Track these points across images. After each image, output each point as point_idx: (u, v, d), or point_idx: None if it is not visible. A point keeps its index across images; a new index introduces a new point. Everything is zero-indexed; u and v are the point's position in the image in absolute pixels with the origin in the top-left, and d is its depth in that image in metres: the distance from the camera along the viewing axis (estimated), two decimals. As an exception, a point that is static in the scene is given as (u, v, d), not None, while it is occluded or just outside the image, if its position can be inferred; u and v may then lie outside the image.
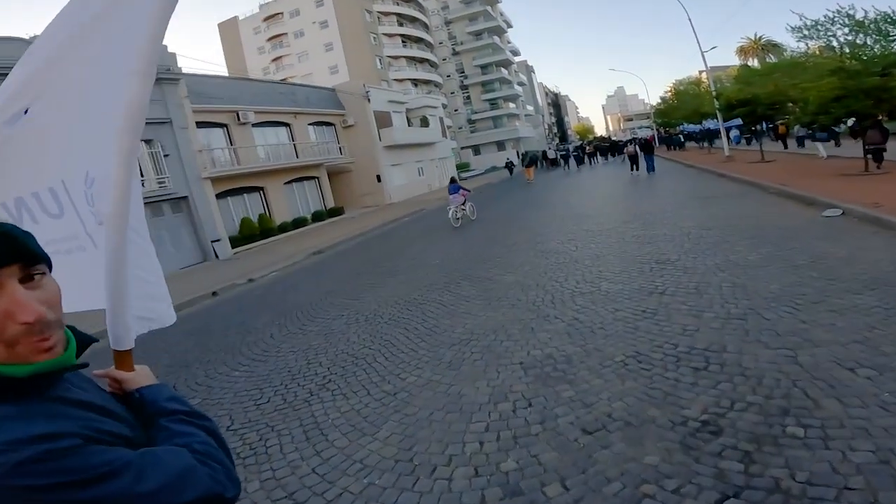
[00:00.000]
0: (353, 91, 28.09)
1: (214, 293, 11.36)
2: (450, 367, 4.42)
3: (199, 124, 19.61)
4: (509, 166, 41.32)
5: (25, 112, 1.10)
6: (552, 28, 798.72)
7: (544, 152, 42.62)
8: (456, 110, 66.71)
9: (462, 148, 65.92)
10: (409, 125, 34.25)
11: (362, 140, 28.54)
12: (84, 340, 0.85)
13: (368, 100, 28.01)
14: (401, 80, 48.80)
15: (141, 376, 0.97)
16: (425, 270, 9.79)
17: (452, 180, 16.00)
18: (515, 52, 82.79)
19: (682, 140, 36.50)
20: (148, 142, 15.92)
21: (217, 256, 17.16)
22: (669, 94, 45.19)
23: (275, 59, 50.30)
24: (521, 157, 38.16)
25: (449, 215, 14.83)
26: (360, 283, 9.70)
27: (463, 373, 4.25)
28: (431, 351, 4.95)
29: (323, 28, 46.47)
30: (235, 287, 11.95)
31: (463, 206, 15.03)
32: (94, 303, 1.10)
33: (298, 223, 21.76)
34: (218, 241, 17.32)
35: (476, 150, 68.22)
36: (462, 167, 58.56)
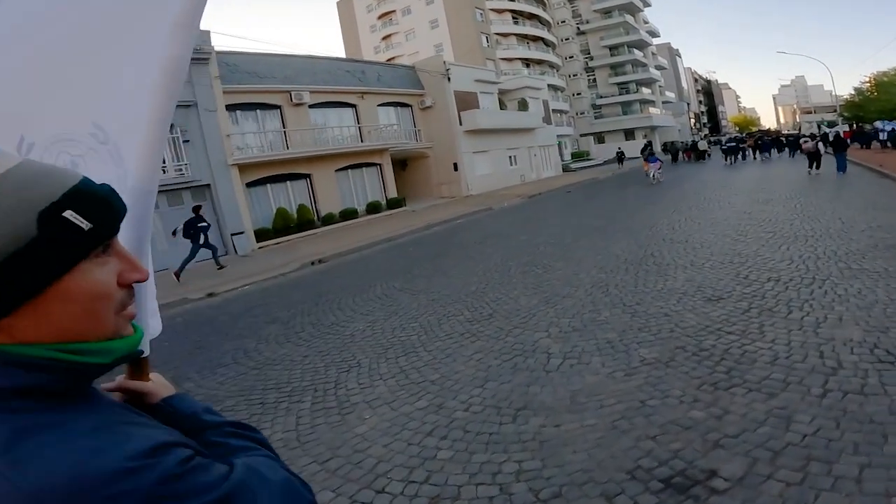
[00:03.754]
0: (432, 69, 24.97)
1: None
2: None
3: (248, 106, 18.19)
4: (620, 157, 37.10)
5: None
6: (710, 9, 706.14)
7: (695, 143, 37.56)
8: (578, 94, 60.26)
9: (582, 135, 59.52)
10: (501, 108, 30.21)
11: (441, 123, 25.38)
12: None
13: (448, 78, 24.68)
14: (510, 60, 44.51)
15: (161, 386, 0.83)
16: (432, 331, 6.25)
17: (651, 153, 25.52)
18: (653, 33, 72.87)
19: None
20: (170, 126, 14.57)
21: (236, 251, 15.44)
22: (868, 84, 40.38)
23: (384, 38, 49.13)
24: (643, 147, 31.85)
25: (649, 175, 20.58)
26: (321, 323, 6.48)
27: None
28: None
29: (428, 4, 43.94)
30: (185, 303, 9.65)
31: (659, 171, 20.81)
32: None
33: (347, 215, 19.44)
34: (240, 234, 15.60)
35: (599, 137, 61.16)
36: (578, 156, 52.70)
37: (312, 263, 12.44)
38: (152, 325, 0.96)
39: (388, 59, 41.01)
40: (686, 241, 8.19)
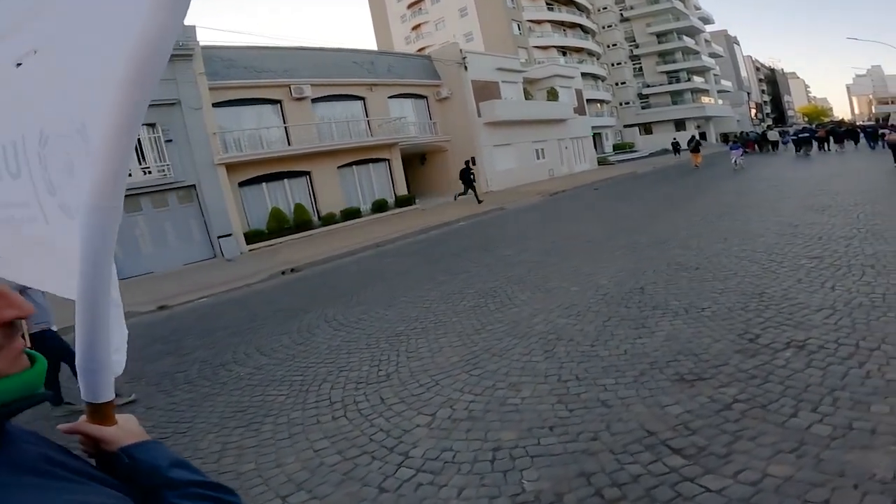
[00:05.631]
0: (448, 57, 23.30)
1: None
2: None
3: (246, 101, 17.27)
4: (675, 147, 36.91)
5: None
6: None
7: (764, 133, 35.33)
8: (623, 83, 56.59)
9: (626, 126, 55.93)
10: (527, 98, 28.11)
11: (459, 115, 23.72)
12: None
13: (465, 67, 22.94)
14: (544, 48, 41.90)
15: (125, 432, 0.73)
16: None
17: (735, 140, 26.50)
18: (706, 20, 67.63)
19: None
20: (150, 125, 13.84)
21: (223, 255, 14.56)
22: None
23: (414, 28, 47.44)
24: (689, 139, 29.12)
25: (732, 161, 20.99)
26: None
27: None
28: None
29: (457, -10, 42.02)
30: (129, 317, 8.65)
31: (741, 157, 21.37)
32: (43, 283, 0.91)
33: (350, 215, 18.22)
34: (228, 236, 14.69)
35: (646, 128, 57.40)
36: (620, 147, 49.51)
37: (283, 273, 11.30)
38: (115, 360, 0.82)
39: (419, 50, 39.52)
40: (697, 267, 6.31)
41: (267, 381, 4.83)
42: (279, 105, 18.18)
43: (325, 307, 7.30)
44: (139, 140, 13.82)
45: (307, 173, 17.89)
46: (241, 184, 16.15)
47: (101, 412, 0.73)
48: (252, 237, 15.58)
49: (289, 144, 17.74)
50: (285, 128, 17.91)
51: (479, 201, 18.43)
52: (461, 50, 23.38)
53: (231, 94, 16.56)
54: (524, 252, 8.95)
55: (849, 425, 2.65)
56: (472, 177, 18.71)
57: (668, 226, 9.46)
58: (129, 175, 13.62)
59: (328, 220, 17.64)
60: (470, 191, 18.83)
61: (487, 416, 3.44)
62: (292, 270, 11.32)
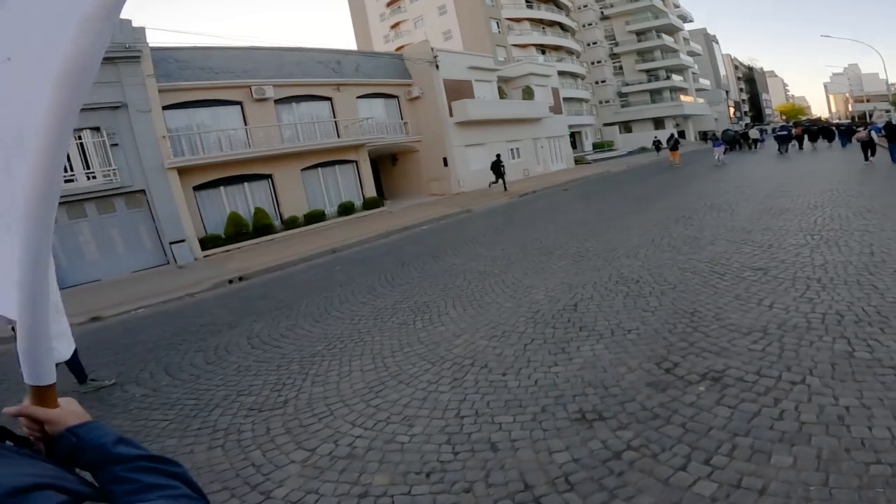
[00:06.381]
0: (419, 56, 22.86)
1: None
2: None
3: (203, 103, 16.63)
4: (657, 145, 37.52)
5: None
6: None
7: (745, 132, 36.21)
8: (602, 81, 56.59)
9: (606, 125, 55.99)
10: (502, 97, 27.78)
11: (430, 115, 23.29)
12: None
13: (437, 66, 22.51)
14: (523, 46, 41.58)
15: (68, 413, 0.75)
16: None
17: (715, 138, 28.75)
18: (685, 18, 68.01)
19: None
20: (94, 129, 13.19)
21: (175, 261, 13.98)
22: None
23: (393, 26, 46.73)
24: (668, 138, 29.24)
25: (715, 157, 22.71)
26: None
27: None
28: None
29: (437, -12, 41.46)
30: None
31: (724, 154, 22.97)
32: None
33: (313, 218, 17.70)
34: (181, 241, 14.10)
35: (626, 126, 57.55)
36: (600, 146, 49.48)
37: (230, 282, 10.81)
38: (59, 348, 0.88)
39: (397, 48, 38.93)
40: (637, 280, 6.00)
41: (157, 404, 4.47)
42: (240, 107, 17.57)
43: (254, 322, 6.88)
44: (82, 145, 13.20)
45: (269, 176, 17.30)
46: (197, 188, 15.52)
47: (44, 395, 0.76)
48: (208, 243, 14.99)
49: (250, 147, 17.15)
50: (246, 130, 17.30)
51: (505, 189, 21.26)
52: (432, 48, 22.90)
53: (186, 95, 15.91)
54: (472, 261, 8.60)
55: (738, 482, 2.33)
56: (501, 168, 21.60)
57: (622, 232, 9.18)
58: (73, 181, 13.00)
59: (291, 223, 17.10)
60: (500, 180, 21.67)
61: (369, 454, 3.11)
62: (240, 279, 10.83)
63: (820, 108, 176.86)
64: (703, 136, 54.34)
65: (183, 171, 14.70)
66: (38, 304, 0.72)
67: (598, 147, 49.15)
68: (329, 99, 20.22)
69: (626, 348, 4.12)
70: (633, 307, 5.07)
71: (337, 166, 19.37)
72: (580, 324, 4.82)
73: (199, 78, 16.26)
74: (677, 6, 66.46)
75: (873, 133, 16.25)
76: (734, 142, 33.58)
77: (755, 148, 32.49)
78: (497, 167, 21.55)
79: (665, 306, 4.96)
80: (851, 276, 5.09)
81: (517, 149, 27.83)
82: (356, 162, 19.88)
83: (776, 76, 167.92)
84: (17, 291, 0.72)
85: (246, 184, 16.89)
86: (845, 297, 4.53)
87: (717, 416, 2.94)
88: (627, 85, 59.54)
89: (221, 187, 16.28)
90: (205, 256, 14.67)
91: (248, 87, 17.42)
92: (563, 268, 7.12)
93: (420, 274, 8.20)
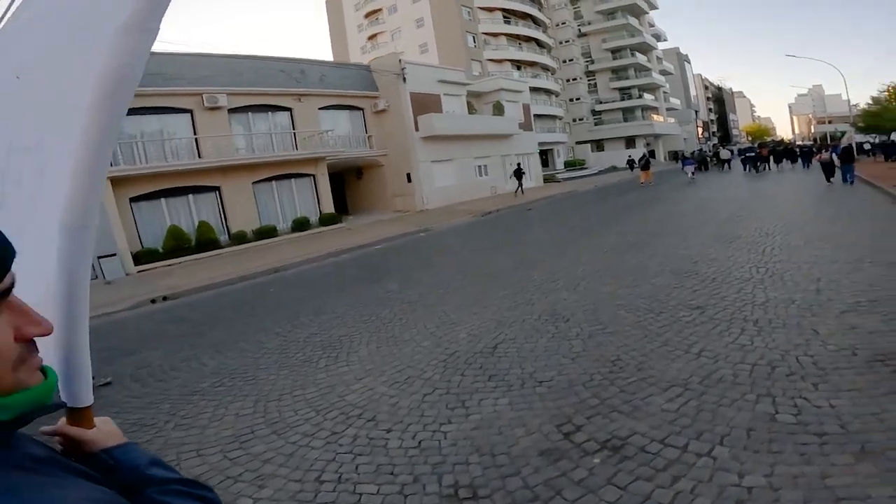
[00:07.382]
0: (386, 68, 22.45)
1: None
2: None
3: (148, 110, 15.78)
4: (630, 164, 38.64)
5: None
6: (725, 16, 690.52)
7: (717, 153, 37.66)
8: (577, 99, 57.23)
9: (579, 143, 56.48)
10: (471, 112, 27.56)
11: (396, 129, 22.84)
12: None
13: (404, 79, 22.13)
14: (499, 61, 41.69)
15: (105, 434, 0.75)
16: None
17: (684, 157, 31.45)
18: (659, 37, 69.65)
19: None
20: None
21: (104, 276, 13.04)
22: (887, 92, 39.56)
23: (371, 38, 46.37)
24: (640, 157, 29.56)
25: (687, 176, 24.60)
26: None
27: None
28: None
29: (415, 1, 41.20)
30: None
31: (693, 173, 24.78)
32: None
33: (264, 234, 16.91)
34: (112, 255, 13.18)
35: (598, 145, 58.18)
36: (571, 164, 49.73)
37: (153, 301, 10.00)
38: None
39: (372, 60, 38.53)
40: (568, 319, 5.51)
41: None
42: (190, 115, 16.78)
43: (153, 350, 6.22)
44: None
45: (217, 188, 16.49)
46: (135, 199, 14.62)
47: (81, 415, 0.75)
48: (143, 257, 14.06)
49: (198, 157, 16.34)
50: (195, 139, 16.51)
51: (522, 193, 24.50)
52: (400, 60, 22.52)
53: (132, 102, 15.06)
54: (409, 288, 8.04)
55: None
56: (522, 175, 24.75)
57: (570, 259, 8.77)
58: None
59: (239, 239, 16.27)
60: (519, 186, 24.57)
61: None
62: (164, 298, 10.03)
63: (784, 129, 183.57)
64: (675, 155, 55.47)
65: (118, 182, 13.80)
66: (76, 320, 0.71)
67: (569, 165, 49.42)
68: (289, 109, 19.57)
69: (532, 404, 3.61)
70: (554, 352, 4.58)
71: (293, 180, 18.66)
72: (492, 371, 4.30)
73: (150, 84, 15.44)
74: (652, 25, 68.03)
75: (834, 156, 16.91)
76: (704, 161, 34.43)
77: (726, 168, 33.19)
78: (518, 174, 24.26)
79: (588, 352, 4.48)
80: (793, 317, 4.72)
81: (485, 166, 27.56)
82: (314, 176, 19.21)
83: (744, 97, 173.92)
84: (53, 305, 0.68)
85: (191, 196, 16.03)
86: (781, 344, 4.13)
87: (601, 501, 2.43)
88: (601, 103, 60.42)
89: (163, 199, 15.38)
90: (139, 272, 13.75)
91: (200, 95, 16.66)
92: (498, 300, 6.62)
93: (349, 302, 7.60)
